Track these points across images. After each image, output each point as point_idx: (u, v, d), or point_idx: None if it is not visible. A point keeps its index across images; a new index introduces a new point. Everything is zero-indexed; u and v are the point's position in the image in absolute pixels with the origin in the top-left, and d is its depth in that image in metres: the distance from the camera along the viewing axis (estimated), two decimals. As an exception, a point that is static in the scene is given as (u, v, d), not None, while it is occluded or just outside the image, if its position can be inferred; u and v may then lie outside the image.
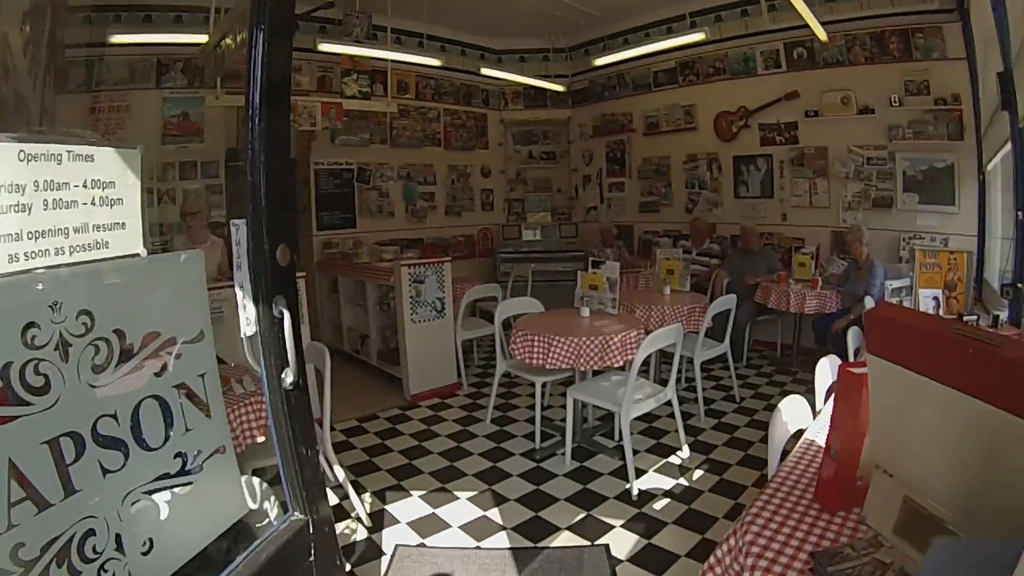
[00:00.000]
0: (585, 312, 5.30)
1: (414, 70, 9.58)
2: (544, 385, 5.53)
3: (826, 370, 3.05)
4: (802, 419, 2.66)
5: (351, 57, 8.44)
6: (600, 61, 8.81)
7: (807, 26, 6.86)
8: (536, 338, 4.68)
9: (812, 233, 8.13)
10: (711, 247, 8.62)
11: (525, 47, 10.61)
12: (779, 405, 2.60)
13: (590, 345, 4.53)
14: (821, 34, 6.93)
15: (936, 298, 4.09)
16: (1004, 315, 3.79)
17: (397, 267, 6.48)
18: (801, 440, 2.42)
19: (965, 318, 3.51)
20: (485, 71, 9.33)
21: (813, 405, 2.81)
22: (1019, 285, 3.86)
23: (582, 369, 4.67)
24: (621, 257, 9.03)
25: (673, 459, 5.06)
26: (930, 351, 1.48)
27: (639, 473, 4.71)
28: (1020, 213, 3.90)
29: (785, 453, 2.41)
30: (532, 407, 5.42)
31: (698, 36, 7.62)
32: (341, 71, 8.57)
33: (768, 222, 8.58)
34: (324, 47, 7.60)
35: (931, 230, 7.06)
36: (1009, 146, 4.28)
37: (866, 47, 7.43)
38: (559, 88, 10.33)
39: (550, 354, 4.58)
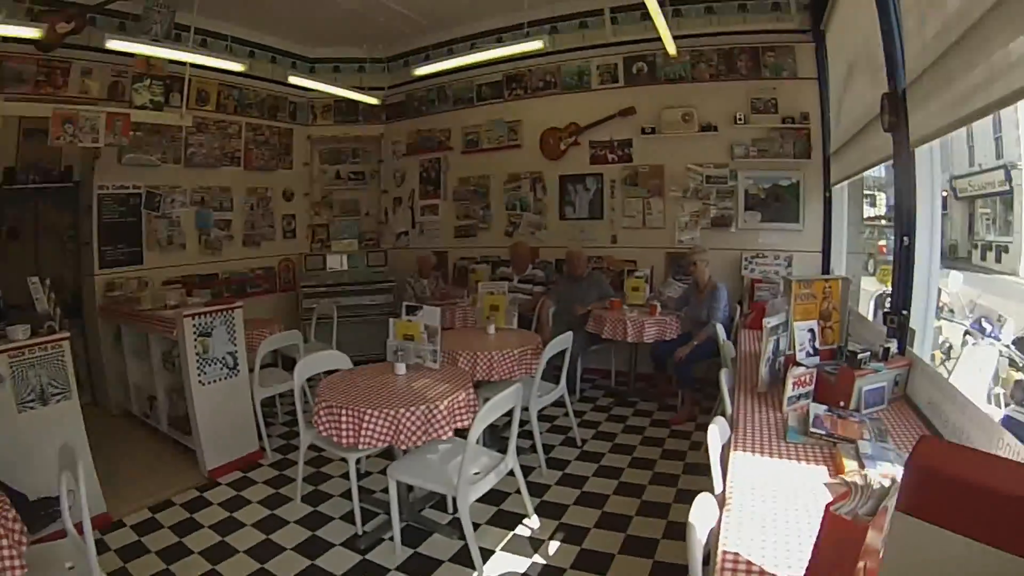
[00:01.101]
0: (401, 369, 4.18)
1: (217, 78, 7.67)
2: (359, 460, 4.72)
3: (717, 436, 2.58)
4: (710, 519, 2.01)
5: (146, 59, 6.52)
6: (421, 71, 7.25)
7: (650, 40, 6.56)
8: (344, 413, 3.55)
9: (645, 255, 7.34)
10: (534, 273, 7.43)
11: (341, 56, 9.02)
12: (690, 517, 1.90)
13: (411, 417, 3.51)
14: (671, 48, 6.31)
15: (812, 330, 3.60)
16: (894, 347, 3.38)
17: (180, 319, 4.97)
18: (719, 554, 1.79)
19: (859, 355, 3.12)
20: (293, 80, 7.57)
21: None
22: (904, 312, 3.50)
23: (403, 448, 3.62)
24: (438, 289, 7.86)
25: (521, 530, 4.09)
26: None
27: (486, 555, 3.76)
28: (905, 238, 3.49)
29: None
30: (348, 476, 4.18)
31: (536, 44, 6.33)
32: (132, 76, 6.61)
33: (597, 245, 7.61)
34: (113, 44, 5.47)
35: (774, 248, 6.71)
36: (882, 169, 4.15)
37: (712, 64, 6.95)
38: (373, 101, 8.72)
39: (362, 432, 3.47)
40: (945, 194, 5.24)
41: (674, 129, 7.03)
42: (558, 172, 7.83)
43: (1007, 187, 6.10)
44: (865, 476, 1.95)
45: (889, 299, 5.98)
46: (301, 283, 8.37)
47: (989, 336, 5.31)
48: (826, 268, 6.34)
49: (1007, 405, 4.72)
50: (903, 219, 3.47)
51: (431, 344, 4.19)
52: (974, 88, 2.44)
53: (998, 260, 6.39)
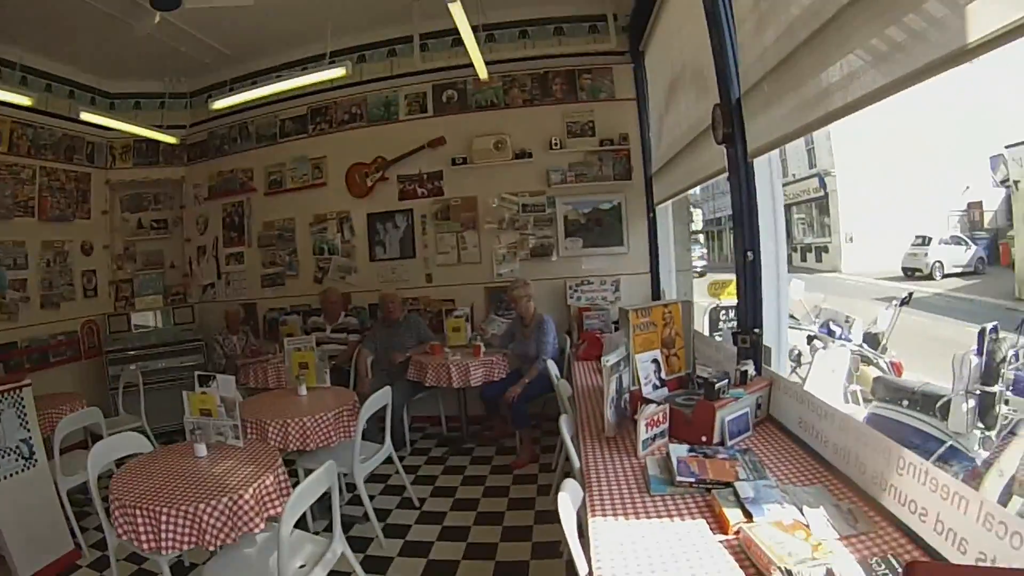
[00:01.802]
0: (201, 451, 3.40)
1: (9, 114, 6.40)
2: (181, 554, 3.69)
3: (569, 506, 2.12)
4: None
5: None
6: (219, 104, 6.35)
7: (461, 67, 6.27)
8: (139, 513, 2.81)
9: (463, 292, 6.70)
10: (348, 321, 6.56)
11: (142, 91, 7.82)
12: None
13: (213, 513, 2.82)
14: (483, 72, 5.91)
15: (655, 360, 3.24)
16: (751, 369, 3.07)
17: None
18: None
19: (715, 384, 2.73)
20: (87, 116, 6.45)
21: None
22: (756, 331, 3.23)
23: (210, 549, 2.87)
24: (248, 345, 6.77)
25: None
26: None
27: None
28: (749, 253, 3.22)
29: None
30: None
31: (338, 72, 5.68)
32: None
33: (411, 285, 6.84)
34: None
35: (599, 273, 6.39)
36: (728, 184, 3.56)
37: (526, 88, 6.57)
38: (170, 140, 7.53)
39: (163, 534, 2.77)
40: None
41: (486, 158, 6.44)
42: (366, 210, 6.99)
43: (822, 193, 6.04)
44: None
45: (725, 313, 6.02)
46: (106, 348, 7.15)
47: (840, 339, 5.39)
48: (656, 289, 6.15)
49: (867, 402, 4.84)
50: (745, 233, 3.20)
51: (230, 418, 3.48)
52: (822, 93, 2.31)
53: (819, 260, 6.39)
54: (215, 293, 7.79)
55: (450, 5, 4.32)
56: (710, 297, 6.33)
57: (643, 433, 2.58)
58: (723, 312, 6.53)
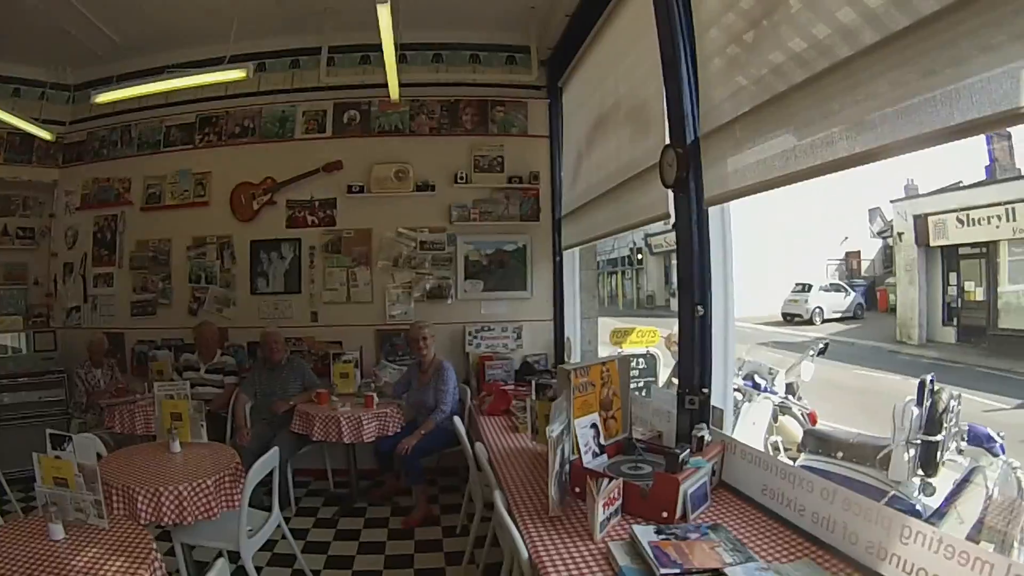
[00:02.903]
0: (57, 533, 2.49)
1: None
2: None
3: None
4: None
5: None
6: (102, 98, 5.18)
7: (367, 86, 5.61)
8: None
9: (352, 334, 5.72)
10: (224, 361, 5.48)
11: (24, 76, 6.44)
12: None
13: None
14: (395, 92, 5.05)
15: (595, 424, 2.78)
16: (706, 434, 2.67)
17: None
18: None
19: (680, 455, 2.43)
20: None
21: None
22: (704, 391, 2.84)
23: None
24: (113, 382, 5.59)
25: None
26: None
27: None
28: (699, 308, 2.85)
29: None
30: None
31: (237, 74, 4.70)
32: None
33: (295, 323, 5.75)
34: None
35: (500, 319, 5.66)
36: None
37: (435, 116, 5.75)
38: (44, 135, 6.11)
39: None
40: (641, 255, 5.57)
41: (385, 187, 5.57)
42: (250, 236, 5.89)
43: None
44: None
45: (635, 363, 5.04)
46: None
47: (765, 391, 5.07)
48: (559, 337, 5.59)
49: (786, 451, 4.72)
50: (694, 286, 2.86)
51: (91, 491, 2.65)
52: (819, 141, 2.00)
53: None
54: (80, 318, 6.47)
55: (379, 7, 3.65)
56: (612, 345, 5.57)
57: (600, 514, 2.16)
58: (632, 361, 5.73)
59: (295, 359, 5.29)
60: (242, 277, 5.89)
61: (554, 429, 2.41)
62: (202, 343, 5.45)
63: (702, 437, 2.66)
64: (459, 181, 5.54)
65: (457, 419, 4.04)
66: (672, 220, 3.01)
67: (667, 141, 3.01)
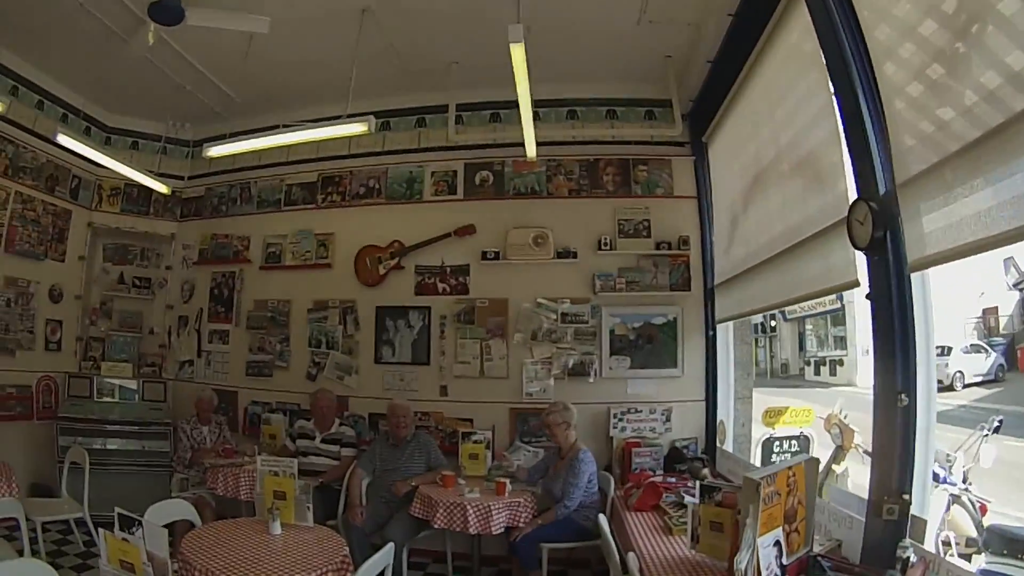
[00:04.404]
0: None
1: None
2: None
3: None
4: None
5: None
6: (215, 152, 5.26)
7: (499, 145, 5.60)
8: None
9: (484, 411, 5.52)
10: (342, 431, 5.40)
11: (143, 130, 6.85)
12: None
13: None
14: (531, 150, 4.98)
15: (778, 542, 2.45)
16: (911, 554, 2.33)
17: None
18: None
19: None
20: (65, 139, 5.26)
21: None
22: (905, 496, 2.51)
23: None
24: (220, 441, 5.65)
25: None
26: None
27: None
28: (903, 397, 2.51)
29: None
30: None
31: (358, 128, 4.57)
32: None
33: (422, 397, 5.61)
34: None
35: (648, 399, 5.33)
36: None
37: (573, 177, 5.63)
38: (162, 189, 6.42)
39: None
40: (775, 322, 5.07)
41: (523, 254, 5.48)
42: (375, 302, 5.90)
43: (838, 304, 5.15)
44: None
45: (779, 445, 4.90)
46: (60, 413, 6.07)
47: (943, 482, 4.48)
48: (711, 419, 5.27)
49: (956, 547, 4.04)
50: (896, 369, 2.56)
51: None
52: None
53: (832, 373, 5.45)
54: (193, 372, 6.67)
55: (512, 46, 3.51)
56: (764, 427, 5.29)
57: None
58: (777, 443, 5.42)
59: (421, 435, 5.18)
60: (366, 344, 5.88)
61: (743, 560, 2.21)
62: (319, 410, 5.42)
63: (907, 558, 2.35)
64: (603, 247, 5.37)
65: (602, 518, 3.75)
66: (865, 289, 2.76)
67: (851, 194, 2.78)
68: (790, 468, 2.63)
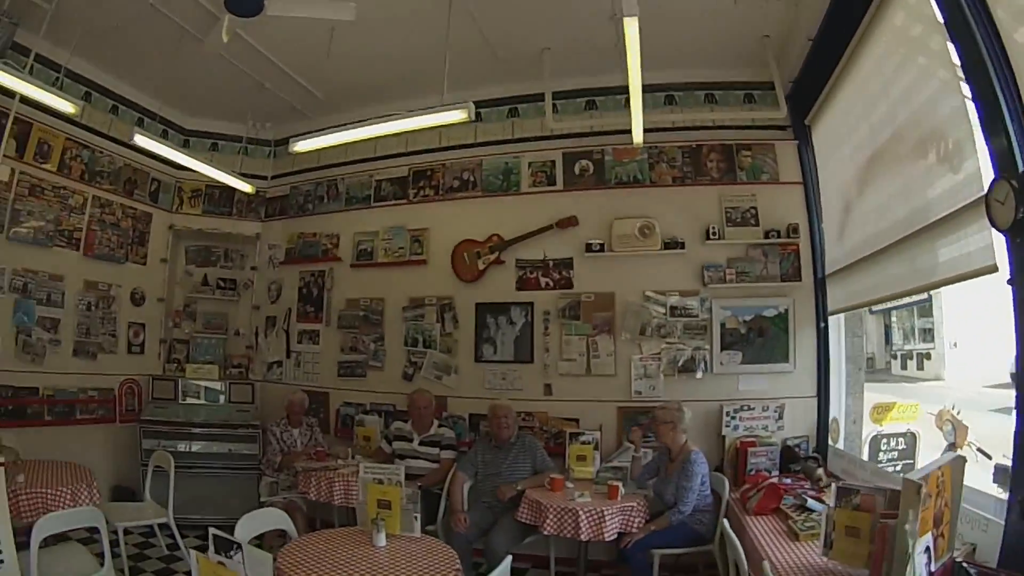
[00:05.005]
0: None
1: (65, 130, 5.62)
2: None
3: None
4: None
5: None
6: (301, 146, 5.21)
7: (597, 133, 5.54)
8: None
9: (591, 411, 5.40)
10: (441, 433, 5.32)
11: (221, 132, 6.99)
12: None
13: None
14: (638, 136, 4.85)
15: (928, 548, 2.27)
16: None
17: None
18: None
19: None
20: (141, 140, 5.31)
21: None
22: None
23: None
24: (312, 444, 5.64)
25: None
26: None
27: None
28: None
29: None
30: None
31: (457, 115, 4.39)
32: None
33: (525, 396, 5.53)
34: None
35: (760, 396, 5.15)
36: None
37: (676, 164, 5.47)
38: (246, 188, 6.48)
39: None
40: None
41: (629, 245, 5.32)
42: (475, 298, 5.85)
43: (925, 295, 5.01)
44: None
45: (887, 443, 4.68)
46: (144, 415, 6.15)
47: None
48: (823, 416, 5.09)
49: None
50: None
51: None
52: None
53: (920, 367, 5.42)
54: (282, 373, 6.73)
55: (626, 20, 3.38)
56: (872, 424, 5.09)
57: None
58: (884, 441, 5.21)
59: (526, 437, 5.08)
60: (465, 342, 5.84)
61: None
62: (417, 411, 5.35)
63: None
64: (711, 237, 5.22)
65: (726, 523, 3.55)
66: (1004, 274, 2.62)
67: (985, 173, 2.66)
68: (939, 468, 2.50)
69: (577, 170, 5.61)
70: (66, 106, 4.51)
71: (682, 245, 5.27)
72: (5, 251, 5.33)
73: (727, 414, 5.11)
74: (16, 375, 5.43)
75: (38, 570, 3.34)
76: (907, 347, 6.01)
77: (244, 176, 6.42)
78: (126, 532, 4.77)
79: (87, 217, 5.96)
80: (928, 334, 5.74)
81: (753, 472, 4.72)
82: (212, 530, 2.49)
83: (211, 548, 2.46)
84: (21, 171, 5.37)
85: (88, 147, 5.89)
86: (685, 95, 5.51)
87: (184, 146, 6.62)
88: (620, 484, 4.45)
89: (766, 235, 5.21)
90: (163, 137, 6.35)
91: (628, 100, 4.68)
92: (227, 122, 6.95)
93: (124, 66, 5.82)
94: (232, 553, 2.42)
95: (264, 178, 6.97)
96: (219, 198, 7.00)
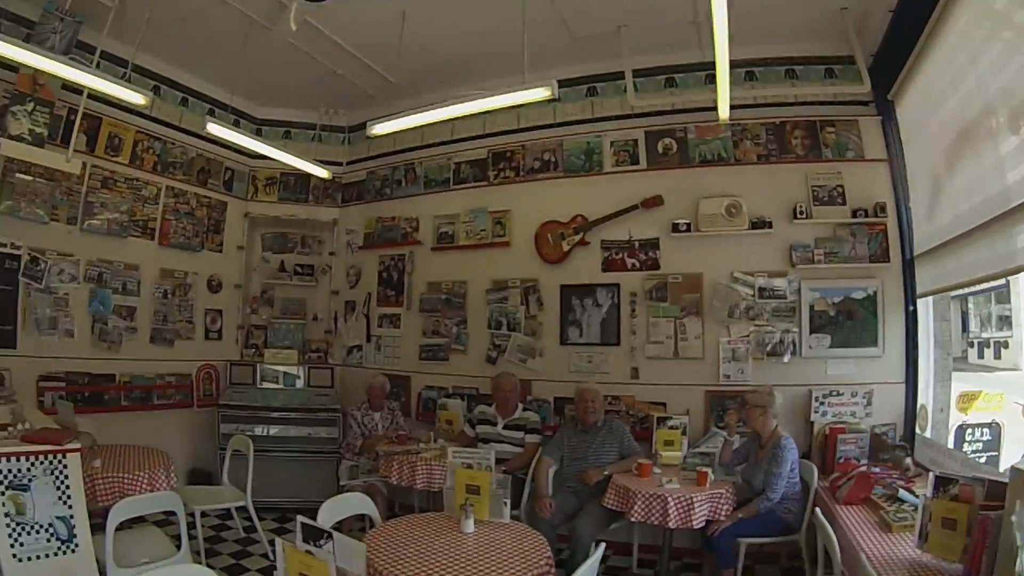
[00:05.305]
0: None
1: (136, 123, 6.00)
2: None
3: None
4: None
5: (32, 76, 4.87)
6: (378, 129, 5.22)
7: (679, 111, 5.56)
8: None
9: (678, 395, 5.45)
10: (526, 416, 5.46)
11: (294, 120, 7.32)
12: None
13: None
14: (724, 112, 4.78)
15: None
16: None
17: None
18: None
19: None
20: (213, 128, 5.57)
21: None
22: None
23: None
24: (393, 428, 5.89)
25: None
26: None
27: None
28: None
29: None
30: None
31: (540, 92, 4.31)
32: (12, 94, 4.90)
33: (611, 380, 5.62)
34: None
35: (848, 381, 5.08)
36: None
37: (760, 141, 5.48)
38: (323, 174, 6.70)
39: None
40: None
41: (716, 225, 5.37)
42: (559, 280, 5.99)
43: (1003, 281, 4.78)
44: None
45: (971, 433, 4.47)
46: (222, 400, 6.52)
47: None
48: (910, 403, 5.02)
49: None
50: None
51: None
52: None
53: (997, 356, 5.44)
54: (362, 357, 7.09)
55: None
56: (958, 412, 5.00)
57: None
58: (968, 431, 5.08)
59: (613, 421, 5.18)
60: (550, 325, 6.00)
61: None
62: (502, 395, 5.49)
63: None
64: (799, 216, 5.23)
65: (819, 513, 3.47)
66: None
67: None
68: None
69: (660, 148, 5.70)
70: (137, 97, 4.74)
71: (769, 224, 5.31)
72: (80, 242, 5.73)
73: (816, 399, 5.11)
74: (93, 362, 5.83)
75: (114, 553, 3.48)
76: (984, 335, 5.87)
77: (319, 163, 6.74)
78: (202, 515, 5.01)
79: (161, 207, 6.38)
80: (1006, 322, 5.59)
81: (842, 460, 4.73)
82: (300, 518, 2.48)
83: (298, 537, 2.44)
84: (93, 164, 5.78)
85: (159, 139, 6.32)
86: (765, 71, 5.50)
87: (257, 135, 6.98)
88: (709, 470, 4.51)
89: (853, 214, 5.22)
90: (235, 127, 6.67)
91: (708, 77, 4.89)
92: (299, 110, 7.30)
93: (192, 59, 6.16)
94: (322, 542, 2.39)
95: (339, 164, 7.32)
96: (294, 185, 7.40)
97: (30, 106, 4.97)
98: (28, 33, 4.78)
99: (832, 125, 5.35)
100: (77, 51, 4.98)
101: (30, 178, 5.30)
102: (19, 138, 4.92)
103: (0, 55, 3.95)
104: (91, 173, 5.74)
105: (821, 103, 5.37)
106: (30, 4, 4.78)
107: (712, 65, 4.58)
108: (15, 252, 5.25)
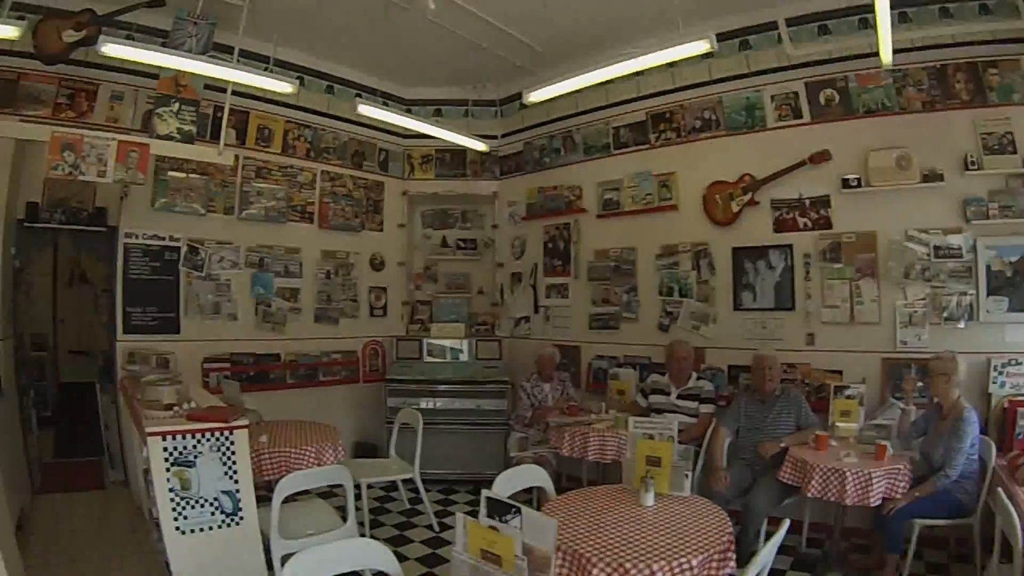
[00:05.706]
0: None
1: (283, 114, 7.24)
2: None
3: None
4: None
5: (174, 79, 5.97)
6: (534, 97, 5.98)
7: (836, 59, 5.89)
8: None
9: (854, 362, 5.79)
10: (700, 386, 6.08)
11: (443, 97, 8.44)
12: None
13: None
14: (887, 56, 5.04)
15: None
16: None
17: (144, 438, 3.91)
18: None
19: None
20: (364, 109, 6.72)
21: None
22: None
23: None
24: (564, 398, 6.74)
25: None
26: None
27: None
28: None
29: None
30: None
31: (700, 45, 4.86)
32: (156, 97, 6.03)
33: (786, 347, 6.07)
34: (112, 50, 4.79)
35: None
36: None
37: (923, 87, 5.65)
38: (481, 147, 7.81)
39: None
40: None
41: (887, 179, 5.65)
42: (730, 243, 6.52)
43: None
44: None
45: None
46: (389, 375, 7.63)
47: None
48: None
49: None
50: None
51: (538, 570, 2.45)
52: None
53: None
54: (530, 329, 8.10)
55: None
56: None
57: None
58: None
59: (791, 390, 5.54)
60: (723, 290, 6.52)
61: None
62: (675, 364, 6.07)
63: None
64: (970, 167, 5.33)
65: (1002, 494, 3.62)
66: None
67: None
68: None
69: (823, 100, 6.00)
70: (284, 86, 5.65)
71: (940, 177, 5.44)
72: (239, 230, 6.98)
73: (995, 369, 5.17)
74: (257, 343, 7.11)
75: (280, 525, 4.00)
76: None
77: (474, 137, 7.67)
78: (368, 486, 5.64)
79: (318, 191, 7.63)
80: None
81: (1023, 437, 4.85)
82: (485, 492, 2.62)
83: (483, 512, 2.57)
84: (245, 156, 6.99)
85: (309, 127, 7.50)
86: (919, 11, 5.56)
87: (406, 115, 7.83)
88: (887, 444, 4.74)
89: (1024, 164, 5.23)
90: (386, 106, 7.68)
91: (861, 21, 5.38)
92: (447, 87, 8.31)
93: (332, 47, 7.19)
94: (508, 517, 2.50)
95: (494, 137, 8.28)
96: (450, 161, 8.49)
97: (175, 106, 5.97)
98: (162, 41, 5.65)
99: (995, 66, 5.39)
100: (216, 53, 5.82)
101: (183, 175, 6.49)
102: (168, 137, 5.92)
103: (142, 62, 5.19)
104: (244, 165, 6.91)
105: (981, 43, 5.40)
106: (159, 15, 5.63)
107: (865, 8, 5.10)
108: (174, 244, 6.50)
